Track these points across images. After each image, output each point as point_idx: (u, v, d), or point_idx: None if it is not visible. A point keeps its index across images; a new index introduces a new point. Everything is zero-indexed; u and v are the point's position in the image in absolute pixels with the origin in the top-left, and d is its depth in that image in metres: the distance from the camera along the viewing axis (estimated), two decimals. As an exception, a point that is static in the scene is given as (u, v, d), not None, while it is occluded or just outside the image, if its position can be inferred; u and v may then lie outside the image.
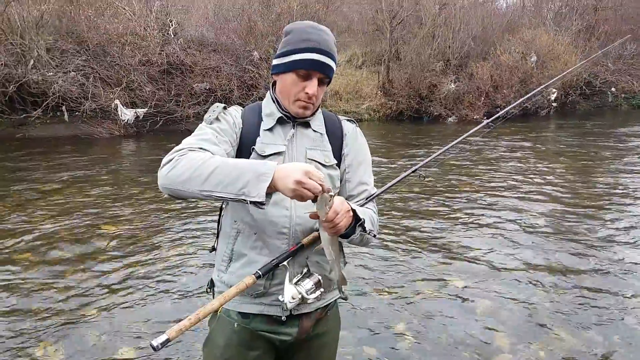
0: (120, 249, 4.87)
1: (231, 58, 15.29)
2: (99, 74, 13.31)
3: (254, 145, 1.48)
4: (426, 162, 1.76)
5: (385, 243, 4.98)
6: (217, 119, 1.47)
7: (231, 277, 1.48)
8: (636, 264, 4.44)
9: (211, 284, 1.59)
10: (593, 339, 3.23)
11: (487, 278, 4.17)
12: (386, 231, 5.31)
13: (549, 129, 15.02)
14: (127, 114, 12.86)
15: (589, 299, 3.77)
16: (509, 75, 17.34)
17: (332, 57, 1.47)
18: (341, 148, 1.61)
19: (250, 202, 1.21)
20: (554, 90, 17.18)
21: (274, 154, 1.48)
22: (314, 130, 1.57)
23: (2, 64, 11.71)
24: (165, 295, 3.87)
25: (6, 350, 3.08)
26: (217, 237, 1.60)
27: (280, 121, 1.53)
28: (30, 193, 6.97)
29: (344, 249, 1.63)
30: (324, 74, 1.47)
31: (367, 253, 4.63)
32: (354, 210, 1.38)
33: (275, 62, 1.51)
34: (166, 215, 5.97)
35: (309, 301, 1.42)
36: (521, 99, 2.35)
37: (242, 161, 1.29)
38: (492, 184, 7.55)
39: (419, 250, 4.84)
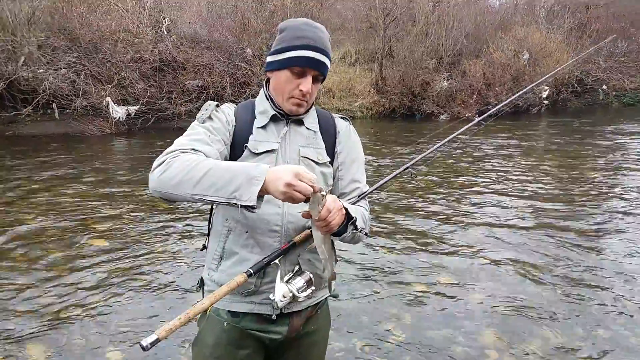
0: (110, 247, 4.84)
1: (224, 55, 15.22)
2: (91, 71, 13.20)
3: (247, 143, 1.47)
4: (417, 160, 1.76)
5: (375, 240, 4.99)
6: (209, 117, 1.46)
7: (222, 276, 1.47)
8: (623, 258, 4.49)
9: (201, 283, 1.58)
10: (582, 335, 3.26)
11: (477, 275, 4.20)
12: (377, 229, 5.32)
13: (540, 127, 15.11)
14: (118, 112, 12.77)
15: (577, 296, 3.80)
16: (501, 73, 17.42)
17: (327, 55, 1.47)
18: (334, 146, 1.60)
19: (242, 205, 1.21)
20: (546, 87, 17.28)
21: (267, 151, 1.47)
22: (308, 128, 1.56)
23: (-8, 61, 11.60)
24: (155, 295, 3.84)
25: (-7, 351, 3.06)
26: (208, 235, 1.59)
27: (273, 119, 1.52)
28: (19, 191, 6.90)
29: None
30: (319, 71, 1.47)
31: (357, 250, 4.63)
32: (345, 209, 1.37)
33: (269, 59, 1.50)
34: (157, 213, 5.94)
35: (299, 299, 1.41)
36: (512, 97, 2.36)
37: (233, 164, 1.28)
38: (482, 181, 7.58)
39: (409, 247, 4.86)
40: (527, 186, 7.23)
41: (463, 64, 18.12)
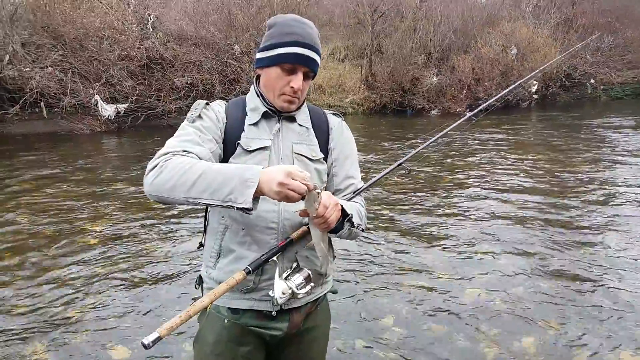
0: (104, 246, 4.81)
1: (212, 52, 15.15)
2: (78, 69, 13.07)
3: (239, 140, 1.47)
4: (411, 156, 1.77)
5: (371, 236, 5.01)
6: (199, 116, 1.45)
7: (219, 273, 1.47)
8: (616, 252, 4.55)
9: (200, 280, 1.58)
10: (576, 329, 3.30)
11: (472, 269, 4.23)
12: (373, 224, 5.35)
13: (530, 121, 15.23)
14: (107, 110, 12.68)
15: (573, 289, 3.84)
16: (490, 67, 17.52)
17: (317, 51, 1.46)
18: (327, 142, 1.60)
19: (237, 208, 1.21)
20: (535, 82, 17.42)
21: (260, 148, 1.47)
22: (300, 125, 1.56)
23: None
24: (154, 292, 3.83)
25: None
26: (205, 232, 1.59)
27: (265, 115, 1.52)
28: (8, 191, 6.83)
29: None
30: (309, 68, 1.46)
31: (353, 246, 4.65)
32: (341, 205, 1.38)
33: (259, 55, 1.50)
34: (150, 210, 5.91)
35: (299, 296, 1.42)
36: (503, 92, 2.37)
37: (227, 166, 1.28)
38: (474, 176, 7.64)
39: (405, 242, 4.88)
40: (523, 180, 7.28)
41: (452, 60, 18.20)
